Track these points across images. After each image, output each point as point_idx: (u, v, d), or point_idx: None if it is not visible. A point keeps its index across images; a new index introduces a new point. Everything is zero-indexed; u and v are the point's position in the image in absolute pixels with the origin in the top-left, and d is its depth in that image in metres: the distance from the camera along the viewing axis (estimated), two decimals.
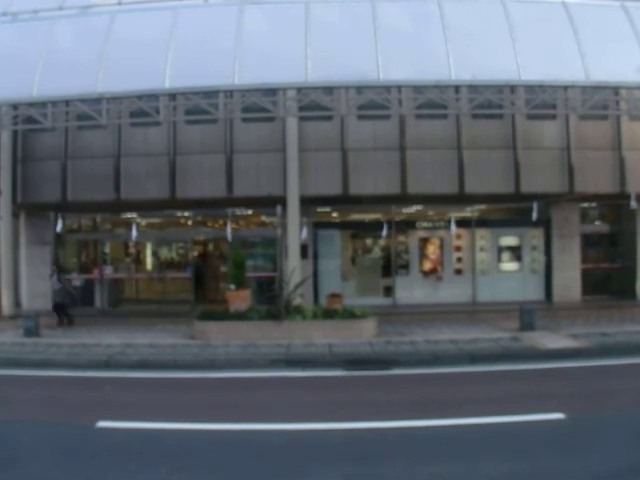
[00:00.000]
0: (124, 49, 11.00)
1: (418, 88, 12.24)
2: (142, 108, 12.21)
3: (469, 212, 17.14)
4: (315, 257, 16.67)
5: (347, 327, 11.95)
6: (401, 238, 17.28)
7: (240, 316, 12.21)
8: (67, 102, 12.21)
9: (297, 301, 12.89)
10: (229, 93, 12.29)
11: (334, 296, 13.43)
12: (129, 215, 17.63)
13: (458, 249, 17.35)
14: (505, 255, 17.52)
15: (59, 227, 15.35)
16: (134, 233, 15.12)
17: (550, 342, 11.02)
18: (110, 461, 5.54)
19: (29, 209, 16.60)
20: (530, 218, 15.26)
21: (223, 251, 17.94)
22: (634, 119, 15.18)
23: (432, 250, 17.43)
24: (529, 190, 15.34)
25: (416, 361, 10.06)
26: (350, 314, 12.22)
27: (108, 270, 17.40)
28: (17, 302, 16.29)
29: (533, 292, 17.01)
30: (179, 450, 5.77)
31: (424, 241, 17.47)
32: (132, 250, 18.77)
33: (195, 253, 18.16)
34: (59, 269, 15.18)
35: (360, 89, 12.38)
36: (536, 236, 17.33)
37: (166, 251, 19.21)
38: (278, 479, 5.17)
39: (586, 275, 16.94)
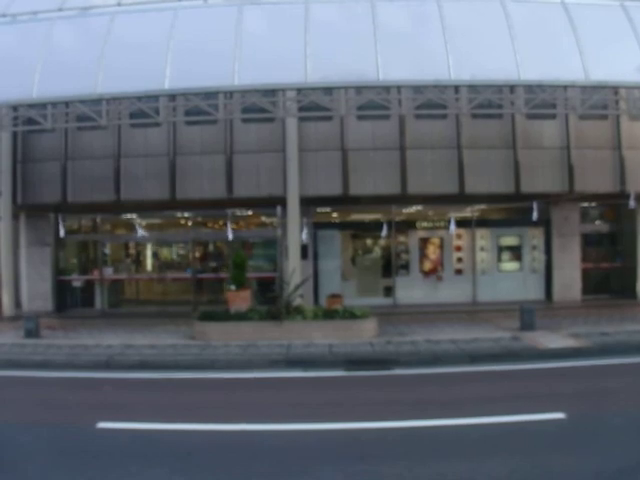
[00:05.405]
0: (124, 50, 11.00)
1: (417, 88, 12.24)
2: (142, 109, 12.20)
3: (469, 212, 17.15)
4: (315, 257, 16.65)
5: (347, 327, 11.94)
6: (401, 238, 17.29)
7: (240, 317, 12.20)
8: (67, 103, 12.23)
9: (297, 301, 12.88)
10: (229, 94, 12.29)
11: (334, 296, 13.41)
12: (129, 216, 17.64)
13: (458, 249, 17.36)
14: (505, 255, 17.53)
15: (62, 232, 15.43)
16: (140, 233, 15.18)
17: (550, 341, 11.01)
18: (110, 462, 5.54)
19: (29, 210, 16.59)
20: (530, 218, 15.29)
21: (223, 252, 17.93)
22: (633, 119, 15.19)
23: (432, 250, 17.44)
24: (529, 190, 15.34)
25: (416, 361, 10.06)
26: (350, 314, 12.21)
27: (108, 271, 17.40)
28: (17, 303, 16.30)
29: (533, 291, 17.01)
30: (180, 451, 5.77)
31: (424, 241, 17.47)
32: (132, 251, 18.77)
33: (196, 254, 18.15)
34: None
35: (359, 89, 12.35)
36: (536, 236, 17.34)
37: (166, 252, 19.20)
38: (278, 479, 5.18)
39: (586, 274, 16.95)
